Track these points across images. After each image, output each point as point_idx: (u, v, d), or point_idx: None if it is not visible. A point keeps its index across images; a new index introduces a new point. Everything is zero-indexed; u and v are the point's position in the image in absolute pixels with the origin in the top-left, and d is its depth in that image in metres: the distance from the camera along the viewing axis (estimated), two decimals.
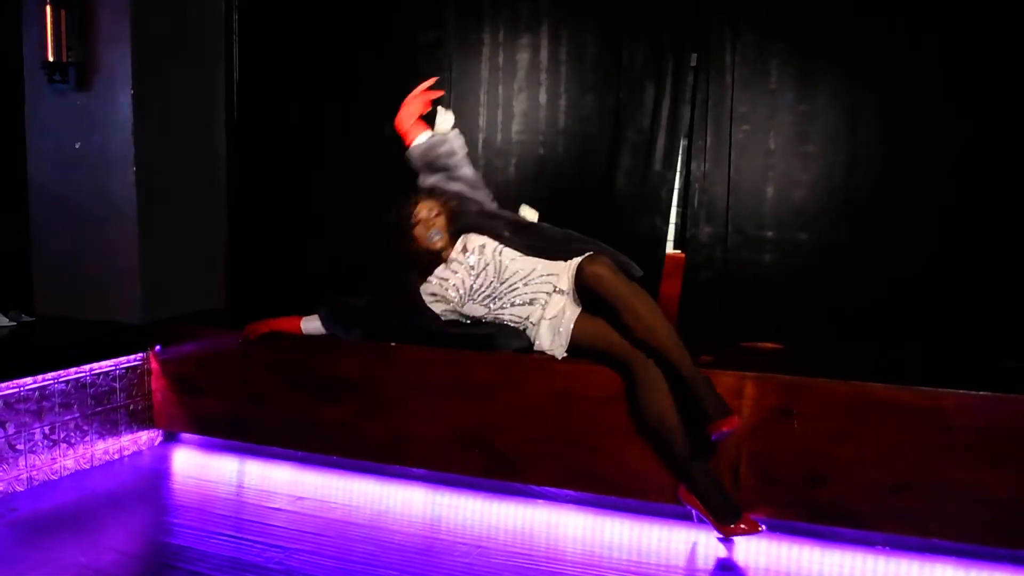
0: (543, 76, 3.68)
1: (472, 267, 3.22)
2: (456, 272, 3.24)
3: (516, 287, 3.14)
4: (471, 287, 3.20)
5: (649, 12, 3.50)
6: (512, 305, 3.14)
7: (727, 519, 2.80)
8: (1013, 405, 2.63)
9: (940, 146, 3.22)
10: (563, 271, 3.11)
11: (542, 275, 3.13)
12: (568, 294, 3.06)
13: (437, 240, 3.24)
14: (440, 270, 3.28)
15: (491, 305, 3.17)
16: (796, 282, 3.41)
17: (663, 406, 2.82)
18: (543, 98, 3.69)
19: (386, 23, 3.89)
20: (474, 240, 3.28)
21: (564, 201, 3.67)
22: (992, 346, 3.16)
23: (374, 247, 3.90)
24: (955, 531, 2.70)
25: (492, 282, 3.17)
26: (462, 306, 3.22)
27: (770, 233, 3.43)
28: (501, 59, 3.73)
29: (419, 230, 3.24)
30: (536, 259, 3.18)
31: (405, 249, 3.28)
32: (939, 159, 3.22)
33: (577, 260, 3.03)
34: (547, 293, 3.09)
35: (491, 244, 3.24)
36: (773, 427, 2.83)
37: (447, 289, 3.24)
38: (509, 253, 3.21)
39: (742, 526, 2.79)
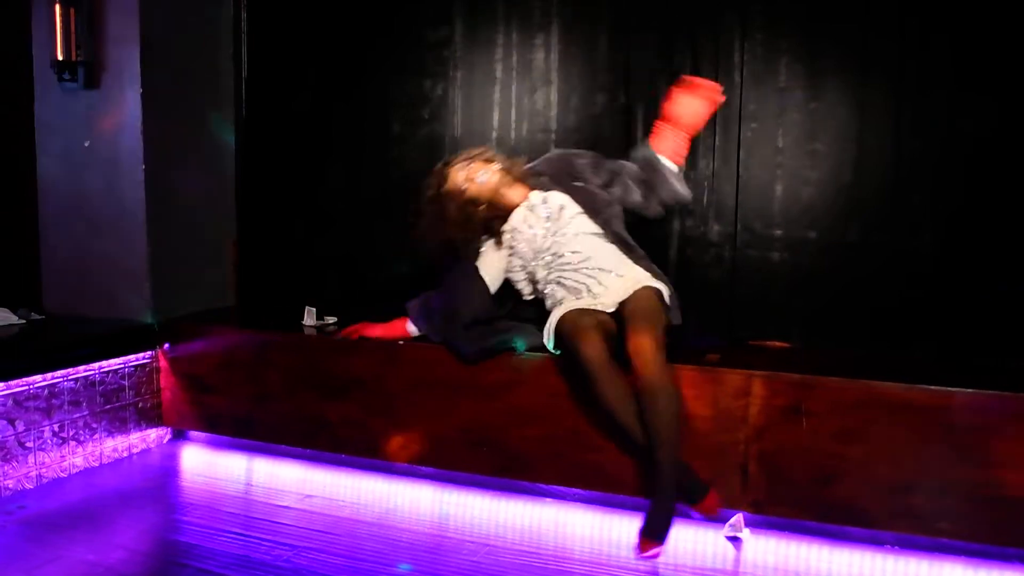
0: (554, 75, 3.67)
1: (547, 222, 3.12)
2: (531, 226, 3.13)
3: (565, 269, 3.06)
4: (540, 246, 3.11)
5: (659, 10, 3.49)
6: (557, 283, 3.07)
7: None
8: (1023, 404, 2.62)
9: (950, 145, 3.20)
10: (617, 285, 3.00)
11: (592, 268, 3.02)
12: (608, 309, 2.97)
13: (484, 179, 3.13)
14: (515, 218, 3.17)
15: (545, 273, 3.11)
16: (805, 281, 3.40)
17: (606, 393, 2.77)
18: (554, 97, 3.68)
19: (394, 22, 3.89)
20: (556, 198, 3.15)
21: None
22: (1002, 345, 3.14)
23: (383, 245, 3.93)
24: (964, 530, 2.69)
25: (548, 252, 3.09)
26: (531, 262, 3.14)
27: (779, 232, 3.42)
28: (514, 59, 3.72)
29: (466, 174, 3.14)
30: (597, 245, 3.06)
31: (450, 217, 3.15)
32: (949, 158, 3.21)
33: (632, 287, 2.97)
34: (586, 287, 3.01)
35: (571, 208, 3.12)
36: (782, 426, 2.83)
37: (519, 241, 3.15)
38: (578, 226, 3.09)
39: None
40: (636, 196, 3.16)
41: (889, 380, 2.75)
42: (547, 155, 3.37)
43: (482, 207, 3.15)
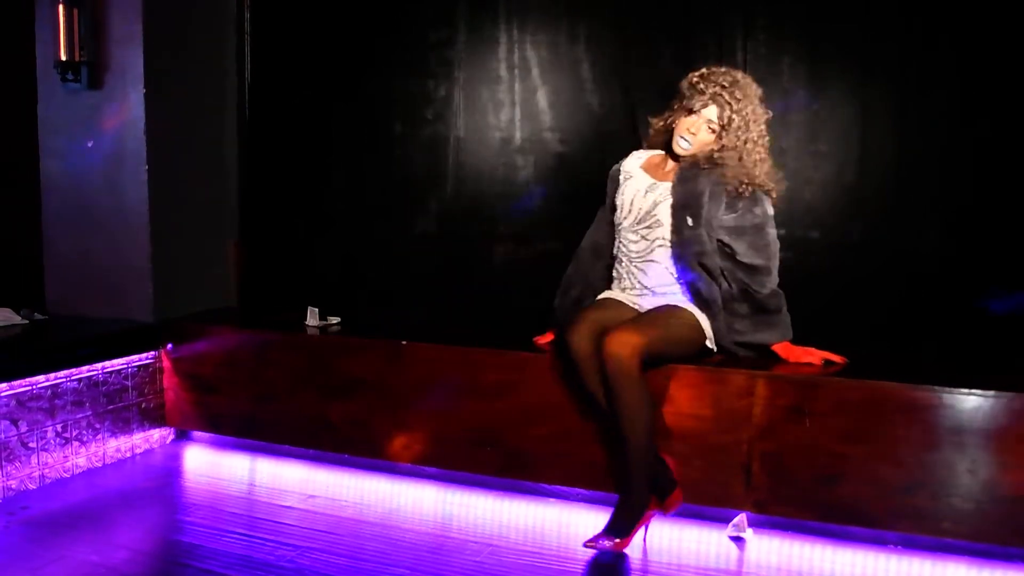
0: (560, 74, 3.67)
1: (643, 218, 2.98)
2: (631, 200, 3.00)
3: (628, 258, 3.01)
4: (621, 222, 3.03)
5: (662, 10, 3.49)
6: (619, 261, 3.04)
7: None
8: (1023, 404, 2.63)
9: (953, 145, 3.20)
10: (660, 301, 2.97)
11: (651, 285, 2.98)
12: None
13: (684, 146, 2.91)
14: (639, 176, 3.04)
15: (615, 246, 3.07)
16: (808, 281, 3.39)
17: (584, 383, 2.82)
18: (557, 96, 3.68)
19: (397, 22, 3.89)
20: (664, 215, 2.94)
21: (582, 201, 3.67)
22: (1005, 346, 3.14)
23: (385, 245, 3.93)
24: (968, 530, 2.68)
25: (623, 235, 3.02)
26: (616, 218, 3.06)
27: (782, 231, 3.40)
28: (516, 57, 3.71)
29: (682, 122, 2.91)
30: (663, 278, 2.97)
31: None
32: (952, 158, 3.20)
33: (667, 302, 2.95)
34: (632, 288, 3.01)
35: (663, 232, 2.95)
36: (785, 426, 2.83)
37: (621, 189, 3.06)
38: (658, 251, 2.96)
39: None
40: (737, 276, 2.98)
41: (891, 380, 2.75)
42: (721, 172, 2.90)
43: (665, 123, 3.01)
